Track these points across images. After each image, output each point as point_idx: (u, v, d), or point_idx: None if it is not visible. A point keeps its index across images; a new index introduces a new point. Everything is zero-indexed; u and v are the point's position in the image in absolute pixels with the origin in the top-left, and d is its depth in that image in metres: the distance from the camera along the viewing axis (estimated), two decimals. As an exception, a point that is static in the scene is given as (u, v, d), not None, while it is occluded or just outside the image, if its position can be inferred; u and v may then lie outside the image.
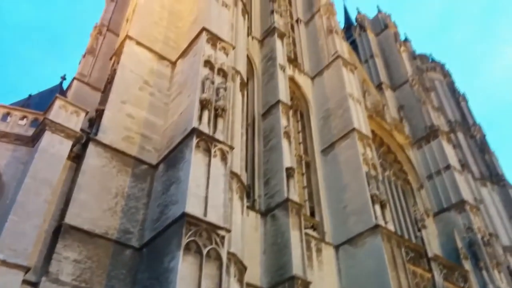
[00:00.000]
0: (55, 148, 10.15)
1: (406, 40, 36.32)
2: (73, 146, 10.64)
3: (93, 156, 10.91)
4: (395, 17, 36.43)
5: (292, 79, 21.17)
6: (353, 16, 39.95)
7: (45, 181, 9.52)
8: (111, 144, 11.48)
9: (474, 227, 21.07)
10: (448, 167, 23.59)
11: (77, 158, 10.79)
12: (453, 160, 24.32)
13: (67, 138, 10.41)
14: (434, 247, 19.43)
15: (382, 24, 35.03)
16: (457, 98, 36.20)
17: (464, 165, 27.43)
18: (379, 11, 37.23)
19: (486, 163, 31.43)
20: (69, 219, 9.64)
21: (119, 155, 11.47)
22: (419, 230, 19.14)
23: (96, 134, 11.42)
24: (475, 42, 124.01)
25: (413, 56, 34.48)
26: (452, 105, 34.95)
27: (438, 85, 35.86)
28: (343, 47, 23.47)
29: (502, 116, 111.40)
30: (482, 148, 32.21)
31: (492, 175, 30.58)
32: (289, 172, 15.43)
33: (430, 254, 17.94)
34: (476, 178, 28.78)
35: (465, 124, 33.80)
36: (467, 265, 19.55)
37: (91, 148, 11.02)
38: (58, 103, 10.97)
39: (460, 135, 31.81)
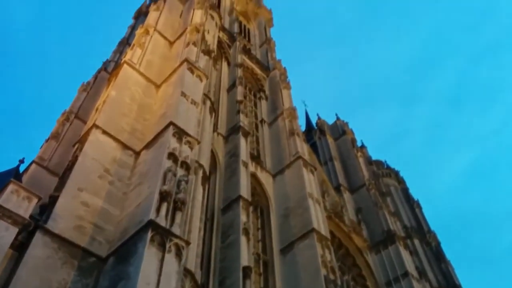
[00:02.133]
0: (-2, 235, 9.51)
1: (362, 146, 38.58)
2: (19, 233, 10.01)
3: (38, 245, 10.23)
4: (352, 124, 39.11)
5: (254, 176, 21.56)
6: (313, 120, 42.56)
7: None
8: (60, 233, 10.88)
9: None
10: (406, 274, 23.58)
11: (21, 247, 10.08)
12: (410, 267, 24.42)
13: (13, 225, 9.82)
14: None
15: (340, 130, 37.40)
16: (412, 204, 37.60)
17: (422, 273, 27.47)
18: (338, 118, 39.99)
19: (442, 272, 31.64)
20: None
21: (67, 245, 10.82)
22: None
23: (46, 221, 10.86)
24: (426, 150, 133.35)
25: (369, 161, 36.36)
26: (407, 211, 36.12)
27: (393, 191, 37.38)
28: (304, 149, 24.55)
29: (456, 223, 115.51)
30: (438, 256, 32.69)
31: (449, 285, 30.63)
32: (246, 271, 14.92)
33: None
34: (433, 287, 28.70)
35: (420, 231, 34.66)
36: None
37: (38, 236, 10.38)
38: (11, 187, 10.56)
39: (416, 242, 32.38)
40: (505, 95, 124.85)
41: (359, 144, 37.90)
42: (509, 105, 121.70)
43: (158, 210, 11.58)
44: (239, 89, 25.13)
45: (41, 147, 17.63)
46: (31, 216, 10.62)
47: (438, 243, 33.91)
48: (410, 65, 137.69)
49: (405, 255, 24.90)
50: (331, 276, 17.31)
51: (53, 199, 11.66)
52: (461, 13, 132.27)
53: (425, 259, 31.42)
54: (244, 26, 36.08)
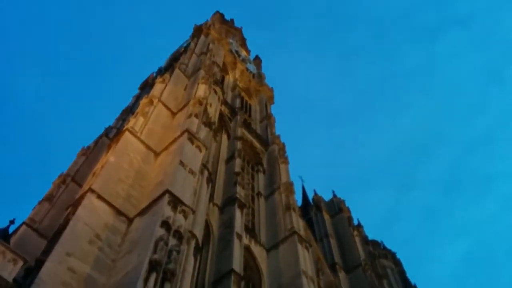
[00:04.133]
0: (-22, 297, 9.15)
1: (359, 224, 38.14)
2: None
3: (18, 311, 9.82)
4: (348, 203, 39.00)
5: (247, 249, 21.09)
6: (310, 196, 42.49)
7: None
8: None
9: None
10: None
11: (-1, 311, 9.66)
12: None
13: (-5, 288, 9.51)
14: None
15: (337, 207, 37.24)
16: (409, 288, 36.30)
17: None
18: (334, 195, 39.99)
19: None
20: None
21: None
22: None
23: (29, 286, 10.49)
24: (422, 235, 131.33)
25: (365, 241, 35.71)
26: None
27: (390, 273, 36.22)
28: (300, 224, 24.27)
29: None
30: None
31: None
32: None
33: None
34: None
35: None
36: None
37: (19, 302, 10.00)
38: (-2, 248, 10.37)
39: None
40: (498, 184, 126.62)
41: (355, 222, 37.50)
42: (503, 193, 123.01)
43: (146, 280, 11.27)
44: (237, 161, 25.49)
45: (34, 208, 17.48)
46: (14, 280, 10.29)
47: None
48: (405, 151, 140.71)
49: None
50: None
51: (39, 263, 11.36)
52: (455, 104, 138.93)
53: None
54: (246, 101, 37.52)
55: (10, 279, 10.05)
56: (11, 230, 16.02)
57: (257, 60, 49.11)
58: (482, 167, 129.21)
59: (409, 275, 39.01)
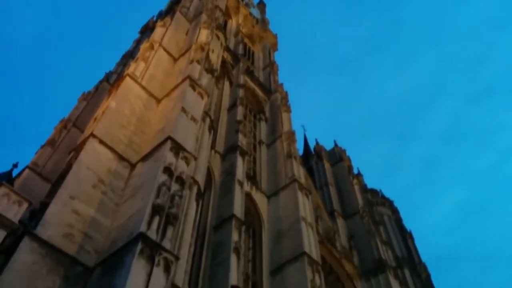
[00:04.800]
0: (-14, 237, 9.42)
1: (358, 173, 38.61)
2: (6, 237, 9.91)
3: (25, 251, 10.11)
4: (349, 152, 39.24)
5: (248, 196, 21.49)
6: (311, 145, 42.71)
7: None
8: (49, 240, 10.78)
9: None
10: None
11: (7, 251, 9.96)
12: (400, 298, 24.18)
13: (1, 228, 9.75)
14: None
15: (337, 156, 37.50)
16: (404, 235, 37.39)
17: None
18: (336, 145, 40.15)
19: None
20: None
21: (55, 252, 10.69)
22: None
23: (35, 227, 10.77)
24: (420, 185, 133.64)
25: (364, 190, 36.35)
26: (399, 241, 35.86)
27: (387, 220, 37.22)
28: (300, 172, 24.56)
29: (446, 257, 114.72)
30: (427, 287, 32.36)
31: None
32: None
33: None
34: None
35: (411, 262, 34.36)
36: None
37: (26, 241, 10.27)
38: (2, 190, 10.53)
39: (407, 272, 32.06)
40: (498, 137, 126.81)
41: (355, 172, 37.95)
42: (502, 147, 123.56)
43: (149, 223, 11.50)
44: (240, 109, 25.32)
45: (36, 153, 17.59)
46: (20, 221, 10.54)
47: (428, 275, 33.57)
48: (408, 101, 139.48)
49: (395, 285, 24.65)
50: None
51: (44, 206, 11.59)
52: (459, 55, 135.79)
53: (415, 291, 31.07)
54: (249, 48, 36.60)
55: (16, 220, 10.30)
56: (14, 174, 16.25)
57: (261, 4, 47.30)
58: (483, 118, 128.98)
59: (405, 222, 40.16)
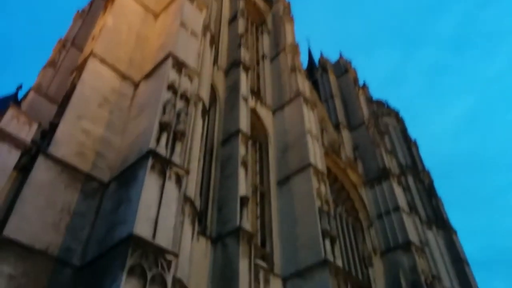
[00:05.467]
0: (2, 157, 9.75)
1: (364, 85, 38.18)
2: (21, 157, 10.27)
3: (41, 169, 10.54)
4: (354, 64, 38.42)
5: (253, 111, 21.62)
6: (316, 58, 41.76)
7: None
8: (62, 158, 11.16)
9: (419, 269, 21.74)
10: (397, 208, 24.50)
11: (24, 169, 10.39)
12: (402, 202, 25.28)
13: (16, 148, 10.05)
14: (379, 284, 19.85)
15: (343, 68, 36.82)
16: (409, 144, 38.06)
17: (412, 208, 28.53)
18: (341, 56, 39.20)
19: (432, 208, 32.81)
20: (8, 232, 9.16)
21: (70, 170, 11.15)
22: (366, 267, 19.52)
23: (47, 147, 11.09)
24: (426, 93, 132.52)
25: (370, 101, 36.24)
26: (404, 150, 36.65)
27: (391, 130, 37.65)
28: (305, 86, 24.37)
29: (450, 164, 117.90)
30: (429, 193, 33.71)
31: (438, 220, 31.91)
32: (243, 201, 15.49)
33: (375, 292, 18.29)
34: (422, 221, 29.92)
35: (415, 169, 35.41)
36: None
37: (41, 160, 10.66)
38: (10, 112, 10.65)
39: (410, 179, 33.23)
40: (508, 43, 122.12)
41: (361, 83, 37.51)
42: (511, 53, 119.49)
43: (158, 140, 11.76)
44: (241, 22, 24.41)
45: (38, 74, 17.43)
46: (32, 141, 10.83)
47: (431, 181, 34.80)
48: (415, 7, 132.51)
49: (398, 190, 25.68)
50: (325, 208, 17.99)
51: (54, 126, 11.79)
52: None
53: (417, 196, 32.46)
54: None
55: (28, 140, 10.57)
56: (19, 96, 16.30)
57: None
58: (493, 24, 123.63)
59: (411, 132, 40.62)
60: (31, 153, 10.69)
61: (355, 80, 35.73)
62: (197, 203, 12.82)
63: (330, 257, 16.04)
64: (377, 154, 27.61)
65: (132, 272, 8.85)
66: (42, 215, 9.95)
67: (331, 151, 25.09)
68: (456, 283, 27.57)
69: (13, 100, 14.09)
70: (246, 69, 21.61)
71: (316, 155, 20.60)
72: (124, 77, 14.70)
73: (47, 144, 11.13)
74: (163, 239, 9.82)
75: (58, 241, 9.86)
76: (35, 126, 10.95)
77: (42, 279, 9.16)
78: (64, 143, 11.44)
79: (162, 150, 11.47)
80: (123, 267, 8.76)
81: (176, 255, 9.92)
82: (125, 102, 14.11)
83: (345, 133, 29.65)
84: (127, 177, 11.23)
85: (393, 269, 21.92)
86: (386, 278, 21.68)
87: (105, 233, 10.25)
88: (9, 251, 8.99)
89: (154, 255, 9.39)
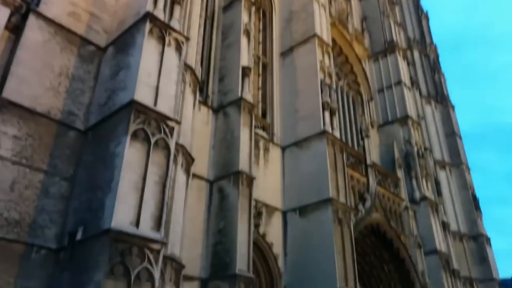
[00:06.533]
0: (-11, 15, 9.14)
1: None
2: (11, 15, 9.63)
3: (34, 29, 9.99)
4: None
5: (257, -26, 19.89)
6: None
7: (-22, 51, 8.75)
8: (55, 18, 10.50)
9: (413, 141, 22.60)
10: (399, 82, 24.38)
11: (16, 29, 9.84)
12: (405, 77, 25.05)
13: (4, 6, 9.36)
14: (374, 155, 20.81)
15: None
16: (420, 15, 36.09)
17: (414, 83, 28.39)
18: None
19: (434, 83, 32.67)
20: (8, 94, 9.07)
21: (64, 31, 10.59)
22: (363, 139, 20.21)
23: (37, 5, 10.35)
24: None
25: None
26: (414, 22, 34.89)
27: (403, 1, 35.31)
28: None
29: (456, 40, 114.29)
30: (433, 68, 33.18)
31: (438, 95, 32.06)
32: (245, 71, 15.22)
33: (368, 161, 19.25)
34: (422, 96, 30.09)
35: (422, 43, 34.24)
36: (400, 173, 21.32)
37: (32, 20, 10.03)
38: (-8, -36, 9.63)
39: (416, 53, 32.38)
40: None
41: None
42: None
43: (155, 2, 10.94)
44: None
45: None
46: (21, -1, 10.05)
47: (437, 56, 33.97)
48: None
49: (402, 65, 25.23)
50: (327, 80, 17.81)
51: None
52: None
53: (421, 70, 32.03)
54: None
55: (16, -1, 9.79)
56: None
57: None
58: None
59: (423, 2, 38.13)
60: (21, 12, 10.00)
61: None
62: (198, 72, 12.57)
63: (328, 128, 16.44)
64: (386, 26, 26.35)
65: (136, 137, 9.05)
66: (40, 78, 9.76)
67: (338, 21, 23.85)
68: (447, 155, 28.92)
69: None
70: None
71: (322, 25, 19.61)
72: None
73: (37, 2, 10.36)
74: (165, 106, 9.83)
75: (59, 105, 9.88)
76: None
77: (47, 140, 9.40)
78: (55, 2, 10.65)
79: (160, 13, 10.76)
80: (126, 132, 8.92)
81: (178, 122, 10.06)
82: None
83: (355, 3, 27.82)
84: (124, 42, 10.75)
85: (388, 141, 22.77)
86: (380, 150, 22.66)
87: (106, 98, 10.22)
88: (11, 113, 9.03)
89: (156, 122, 9.50)
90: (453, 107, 31.73)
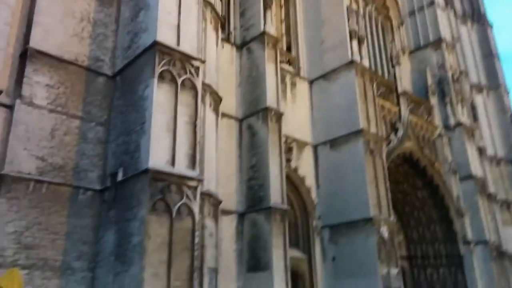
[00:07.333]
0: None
1: None
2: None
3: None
4: None
5: None
6: None
7: (2, 1, 8.76)
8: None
9: (447, 65, 21.59)
10: (432, 3, 22.87)
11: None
12: (438, -5, 23.43)
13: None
14: (405, 83, 20.14)
15: None
16: None
17: (448, 1, 26.50)
18: None
19: (470, 1, 30.44)
20: (34, 43, 9.22)
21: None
22: (393, 66, 19.47)
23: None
24: None
25: None
26: None
27: None
28: None
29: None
30: (471, -16, 30.75)
31: (474, 14, 29.95)
32: (267, 2, 14.65)
33: (400, 90, 18.66)
34: (457, 16, 28.19)
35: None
36: (434, 100, 20.65)
37: (48, -34, 9.89)
38: None
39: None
40: None
41: None
42: None
43: None
44: None
45: None
46: None
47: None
48: None
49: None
50: (354, 7, 16.93)
51: None
52: None
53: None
54: None
55: None
56: None
57: None
58: None
59: None
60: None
61: None
62: (218, 8, 12.22)
63: (356, 58, 15.91)
64: None
65: (162, 78, 9.13)
66: (63, 25, 9.79)
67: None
68: (484, 78, 27.55)
69: None
70: None
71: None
72: None
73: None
74: (188, 46, 9.76)
75: (85, 51, 9.97)
76: None
77: (78, 87, 9.64)
78: None
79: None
80: (153, 74, 9.01)
81: (202, 61, 10.00)
82: None
83: None
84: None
85: (420, 67, 21.84)
86: (412, 76, 21.84)
87: (130, 41, 10.19)
88: (41, 63, 9.22)
89: (181, 62, 9.50)
90: (490, 26, 29.66)
